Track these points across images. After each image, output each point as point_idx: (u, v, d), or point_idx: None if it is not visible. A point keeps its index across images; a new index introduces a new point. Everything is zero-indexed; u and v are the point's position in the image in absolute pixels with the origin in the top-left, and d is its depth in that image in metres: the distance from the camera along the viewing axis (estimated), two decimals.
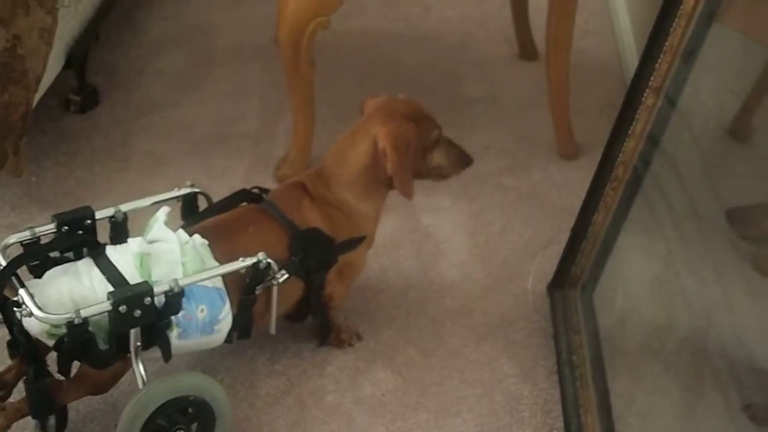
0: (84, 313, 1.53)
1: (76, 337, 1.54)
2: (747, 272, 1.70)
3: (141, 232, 1.74)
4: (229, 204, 1.85)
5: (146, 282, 1.60)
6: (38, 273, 1.65)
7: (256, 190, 1.86)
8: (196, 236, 1.70)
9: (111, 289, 1.58)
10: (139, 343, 1.63)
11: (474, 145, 2.58)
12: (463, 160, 1.89)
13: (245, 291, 1.72)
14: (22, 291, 1.55)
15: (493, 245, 2.28)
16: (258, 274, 1.70)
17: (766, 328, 1.58)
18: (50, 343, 1.58)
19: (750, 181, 1.76)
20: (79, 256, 1.69)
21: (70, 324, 1.52)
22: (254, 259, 1.68)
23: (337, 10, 2.22)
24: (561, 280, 2.05)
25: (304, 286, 1.81)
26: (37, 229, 1.69)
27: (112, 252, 1.67)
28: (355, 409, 1.87)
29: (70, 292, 1.59)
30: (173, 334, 1.65)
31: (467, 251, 2.26)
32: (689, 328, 1.88)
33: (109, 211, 1.75)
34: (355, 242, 1.83)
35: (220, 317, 1.69)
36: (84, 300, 1.58)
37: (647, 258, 1.96)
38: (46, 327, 1.55)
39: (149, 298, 1.57)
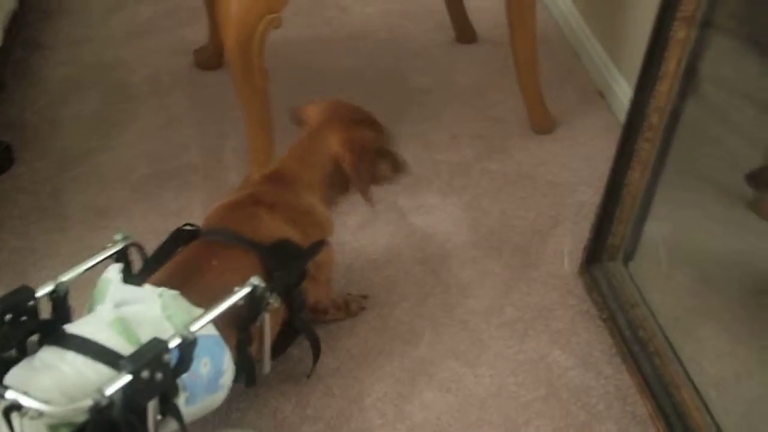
0: (108, 391, 1.24)
1: (101, 424, 1.25)
2: None
3: (88, 305, 1.45)
4: (170, 251, 1.60)
5: (156, 338, 1.32)
6: None
7: (189, 227, 1.64)
8: (164, 289, 1.44)
9: (102, 367, 1.30)
10: (159, 416, 1.35)
11: (441, 136, 2.40)
12: (401, 165, 1.80)
13: (241, 327, 1.49)
14: (11, 393, 1.23)
15: (500, 234, 2.07)
16: (256, 303, 1.48)
17: None
18: None
19: None
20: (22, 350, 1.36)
21: (95, 408, 1.23)
22: (250, 286, 1.47)
23: None
24: (597, 254, 1.84)
25: (285, 307, 1.59)
26: None
27: (80, 328, 1.37)
28: None
29: (58, 387, 1.28)
30: (181, 401, 1.38)
31: (474, 245, 2.04)
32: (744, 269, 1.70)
33: (48, 287, 1.44)
34: (318, 247, 1.65)
35: (224, 367, 1.45)
36: (77, 390, 1.28)
37: (690, 210, 1.77)
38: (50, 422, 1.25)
39: (167, 355, 1.31)
